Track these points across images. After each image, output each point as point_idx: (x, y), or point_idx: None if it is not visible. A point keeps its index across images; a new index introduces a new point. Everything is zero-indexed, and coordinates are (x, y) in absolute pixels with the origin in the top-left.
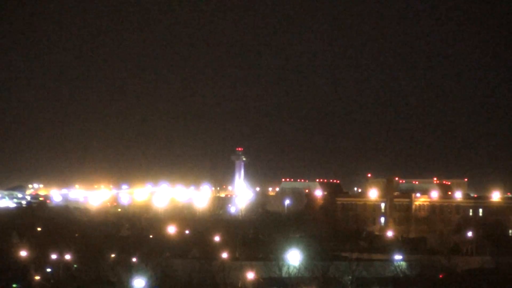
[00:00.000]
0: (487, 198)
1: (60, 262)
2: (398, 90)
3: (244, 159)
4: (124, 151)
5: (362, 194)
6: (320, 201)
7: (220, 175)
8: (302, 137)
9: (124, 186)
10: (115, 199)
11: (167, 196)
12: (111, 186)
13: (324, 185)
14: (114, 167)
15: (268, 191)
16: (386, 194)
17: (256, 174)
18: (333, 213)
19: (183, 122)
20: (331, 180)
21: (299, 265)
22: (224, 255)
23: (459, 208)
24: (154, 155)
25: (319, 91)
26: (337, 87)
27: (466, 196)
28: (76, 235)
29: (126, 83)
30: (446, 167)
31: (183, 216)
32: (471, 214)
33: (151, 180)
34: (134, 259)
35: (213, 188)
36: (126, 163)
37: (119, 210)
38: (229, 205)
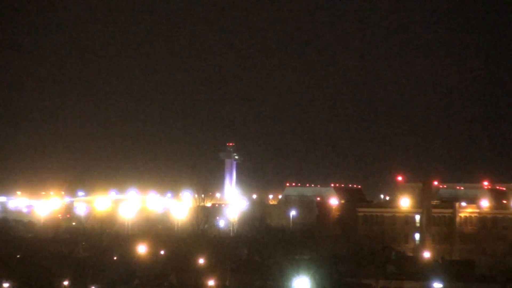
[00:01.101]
0: None
1: None
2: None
3: (236, 157)
4: (81, 151)
5: (391, 203)
6: (335, 212)
7: (206, 178)
8: (310, 130)
9: (80, 193)
10: (69, 209)
11: (136, 206)
12: (63, 193)
13: (341, 191)
14: (67, 170)
15: (267, 199)
16: (422, 202)
17: (251, 177)
18: (353, 228)
19: (156, 115)
20: (349, 185)
21: None
22: (211, 283)
23: None
24: (119, 155)
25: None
26: (359, 73)
27: None
28: (18, 256)
29: (74, 75)
30: (500, 169)
31: (157, 232)
32: None
33: (115, 186)
34: None
35: (196, 196)
36: (83, 165)
37: (74, 223)
38: (217, 217)
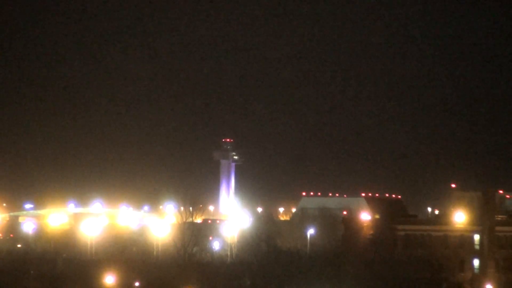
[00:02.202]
0: None
1: None
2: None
3: (235, 157)
4: (29, 152)
5: (441, 219)
6: (367, 231)
7: (195, 186)
8: (332, 125)
9: (28, 206)
10: (12, 227)
11: (103, 222)
12: (4, 206)
13: (374, 203)
14: (10, 176)
15: (277, 213)
16: (483, 218)
17: (256, 183)
18: (391, 252)
19: (129, 105)
20: (386, 195)
21: None
22: None
23: None
24: (79, 157)
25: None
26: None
27: None
28: None
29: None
30: None
31: (130, 256)
32: None
33: (74, 197)
34: None
35: (182, 209)
36: (31, 170)
37: (19, 245)
38: (210, 237)
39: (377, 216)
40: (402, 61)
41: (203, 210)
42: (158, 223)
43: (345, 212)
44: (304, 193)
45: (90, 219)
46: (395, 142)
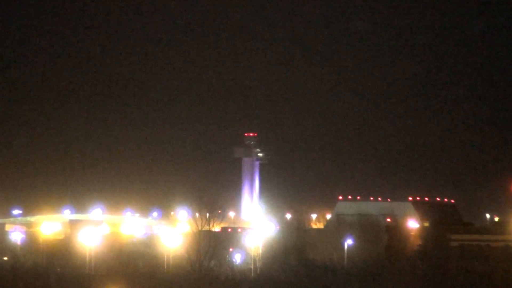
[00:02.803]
0: None
1: None
2: None
3: (260, 155)
4: (18, 150)
5: (502, 227)
6: (415, 240)
7: (212, 188)
8: (373, 119)
9: (16, 212)
10: None
11: (104, 231)
12: None
13: (424, 209)
14: None
15: (309, 220)
16: None
17: (283, 185)
18: (444, 265)
19: (138, 97)
20: (437, 199)
21: None
22: None
23: None
24: (76, 156)
25: None
26: None
27: None
28: None
29: None
30: None
31: (136, 271)
32: None
33: (70, 202)
34: None
35: (198, 216)
36: (20, 170)
37: (5, 258)
38: (231, 249)
39: (426, 224)
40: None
41: (222, 216)
42: (168, 232)
43: (389, 219)
44: (340, 197)
45: (88, 227)
46: (446, 137)
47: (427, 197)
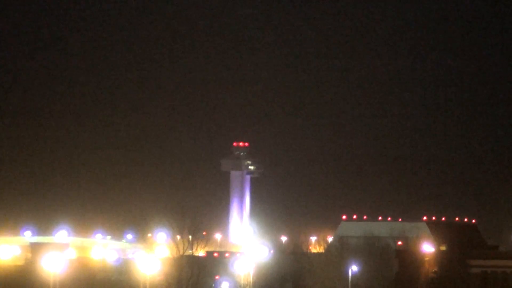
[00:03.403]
0: None
1: None
2: None
3: (251, 168)
4: None
5: None
6: (430, 267)
7: (196, 206)
8: (375, 127)
9: None
10: None
11: (70, 256)
12: None
13: (440, 230)
14: None
15: (307, 243)
16: None
17: (278, 203)
18: None
19: (115, 103)
20: (456, 219)
21: None
22: None
23: None
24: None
25: None
26: None
27: None
28: None
29: None
30: None
31: None
32: None
33: (31, 222)
34: None
35: (179, 238)
36: None
37: None
38: (217, 277)
39: (443, 248)
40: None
41: (207, 239)
42: (145, 257)
43: (400, 242)
44: (344, 217)
45: (53, 251)
46: (467, 150)
47: (444, 217)
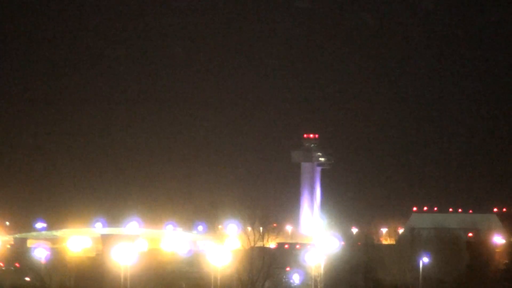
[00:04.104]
0: None
1: None
2: None
3: (322, 159)
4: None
5: None
6: (502, 259)
7: (267, 198)
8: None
9: (40, 225)
10: (18, 253)
11: (141, 247)
12: (7, 225)
13: (511, 222)
14: (19, 188)
15: (378, 235)
16: None
17: (349, 195)
18: None
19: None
20: None
21: None
22: None
23: None
24: (111, 162)
25: None
26: None
27: None
28: None
29: None
30: None
31: None
32: None
33: (102, 214)
34: None
35: (250, 229)
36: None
37: (27, 279)
38: (287, 268)
39: None
40: None
41: (278, 231)
42: (216, 249)
43: (471, 234)
44: (415, 208)
45: (123, 243)
46: None
47: None
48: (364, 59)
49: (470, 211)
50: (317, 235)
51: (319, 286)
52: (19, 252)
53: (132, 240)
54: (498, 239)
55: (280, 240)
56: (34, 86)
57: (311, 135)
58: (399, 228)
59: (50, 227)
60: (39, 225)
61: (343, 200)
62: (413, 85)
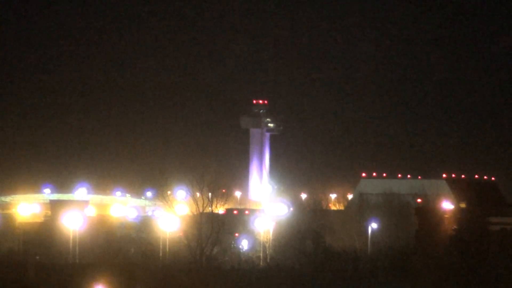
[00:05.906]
0: None
1: None
2: None
3: (271, 125)
4: None
5: None
6: (450, 224)
7: (215, 164)
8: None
9: None
10: None
11: (89, 213)
12: None
13: (460, 187)
14: None
15: (327, 200)
16: None
17: (298, 161)
18: (482, 251)
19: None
20: (475, 176)
21: None
22: None
23: None
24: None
25: None
26: None
27: None
28: None
29: None
30: None
31: (127, 261)
32: None
33: (51, 180)
34: None
35: (198, 196)
36: None
37: None
38: (236, 234)
39: (463, 205)
40: None
41: (227, 196)
42: (164, 215)
43: (419, 200)
44: (364, 174)
45: (72, 209)
46: (486, 103)
47: (463, 174)
48: (315, 20)
49: (419, 177)
50: (266, 201)
51: (267, 252)
52: None
53: (82, 206)
54: (447, 205)
55: (229, 206)
56: None
57: (260, 101)
58: (348, 194)
59: (0, 193)
60: None
61: (293, 166)
62: (361, 46)
